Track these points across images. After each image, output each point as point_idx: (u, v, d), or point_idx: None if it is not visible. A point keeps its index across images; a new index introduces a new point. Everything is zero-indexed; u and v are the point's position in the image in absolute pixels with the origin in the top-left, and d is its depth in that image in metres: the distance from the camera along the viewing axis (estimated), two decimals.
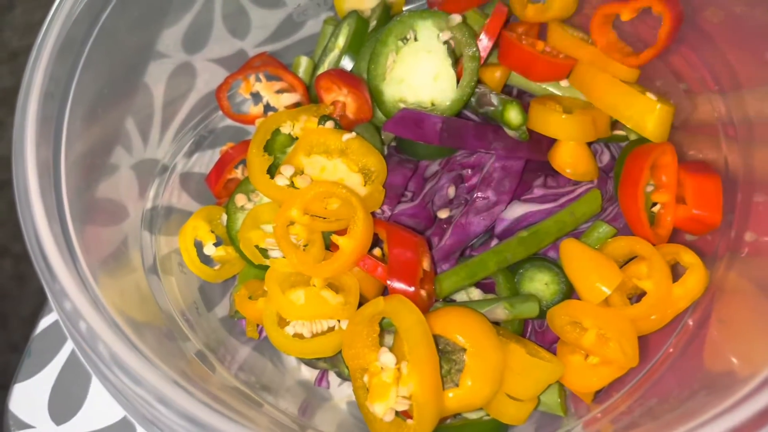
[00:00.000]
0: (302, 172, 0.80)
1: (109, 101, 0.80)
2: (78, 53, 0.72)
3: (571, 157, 0.81)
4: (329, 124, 0.83)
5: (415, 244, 0.77)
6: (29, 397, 0.90)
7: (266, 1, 0.97)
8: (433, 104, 0.83)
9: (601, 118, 0.83)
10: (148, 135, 0.88)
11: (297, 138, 0.84)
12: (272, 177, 0.79)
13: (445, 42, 0.83)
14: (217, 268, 0.87)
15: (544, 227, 0.79)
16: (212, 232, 0.87)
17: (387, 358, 0.66)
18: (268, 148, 0.82)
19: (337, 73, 0.84)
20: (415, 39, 0.83)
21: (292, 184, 0.78)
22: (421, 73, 0.83)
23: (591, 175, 0.82)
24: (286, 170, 0.79)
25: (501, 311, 0.75)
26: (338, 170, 0.80)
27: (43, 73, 0.68)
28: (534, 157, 0.83)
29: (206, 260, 0.88)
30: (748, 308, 0.73)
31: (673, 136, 0.84)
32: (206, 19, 0.92)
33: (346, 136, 0.80)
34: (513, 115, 0.80)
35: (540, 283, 0.80)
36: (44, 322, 0.95)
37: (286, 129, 0.84)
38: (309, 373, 0.87)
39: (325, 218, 0.76)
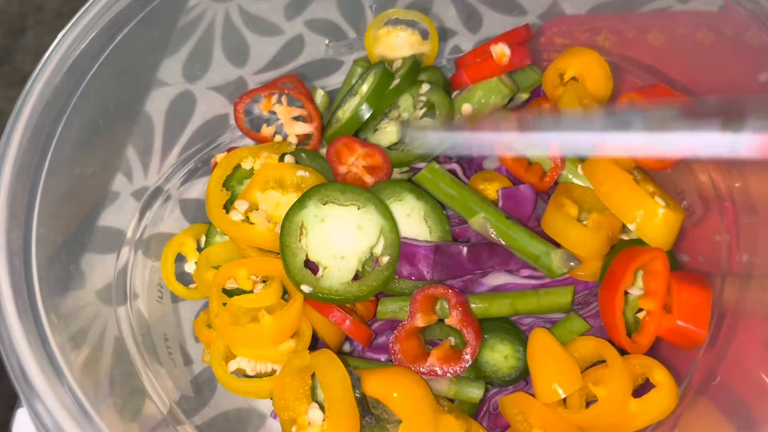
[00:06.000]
0: (257, 208, 0.81)
1: (105, 130, 0.83)
2: (78, 81, 0.75)
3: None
4: (288, 159, 0.84)
5: None
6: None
7: (265, 29, 1.00)
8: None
9: (616, 225, 0.80)
10: (148, 163, 0.91)
11: None
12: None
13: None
14: (192, 287, 0.88)
15: (502, 295, 0.78)
16: (199, 250, 0.88)
17: (315, 414, 0.67)
18: (228, 182, 0.84)
19: (349, 139, 0.86)
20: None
21: (247, 219, 0.79)
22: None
23: (594, 277, 0.81)
24: (241, 205, 0.80)
25: (445, 386, 0.75)
26: None
27: (36, 100, 0.71)
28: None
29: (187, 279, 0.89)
30: None
31: None
32: (206, 47, 0.95)
33: (300, 171, 0.81)
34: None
35: (500, 354, 0.79)
36: None
37: (247, 165, 0.85)
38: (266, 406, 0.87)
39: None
